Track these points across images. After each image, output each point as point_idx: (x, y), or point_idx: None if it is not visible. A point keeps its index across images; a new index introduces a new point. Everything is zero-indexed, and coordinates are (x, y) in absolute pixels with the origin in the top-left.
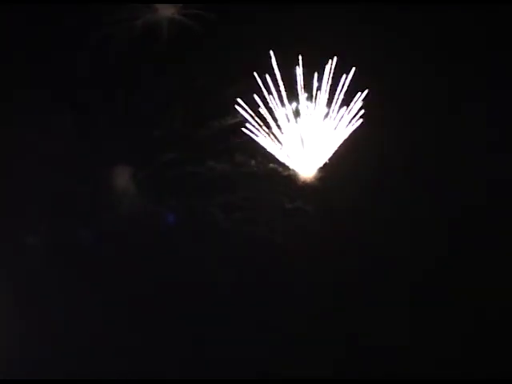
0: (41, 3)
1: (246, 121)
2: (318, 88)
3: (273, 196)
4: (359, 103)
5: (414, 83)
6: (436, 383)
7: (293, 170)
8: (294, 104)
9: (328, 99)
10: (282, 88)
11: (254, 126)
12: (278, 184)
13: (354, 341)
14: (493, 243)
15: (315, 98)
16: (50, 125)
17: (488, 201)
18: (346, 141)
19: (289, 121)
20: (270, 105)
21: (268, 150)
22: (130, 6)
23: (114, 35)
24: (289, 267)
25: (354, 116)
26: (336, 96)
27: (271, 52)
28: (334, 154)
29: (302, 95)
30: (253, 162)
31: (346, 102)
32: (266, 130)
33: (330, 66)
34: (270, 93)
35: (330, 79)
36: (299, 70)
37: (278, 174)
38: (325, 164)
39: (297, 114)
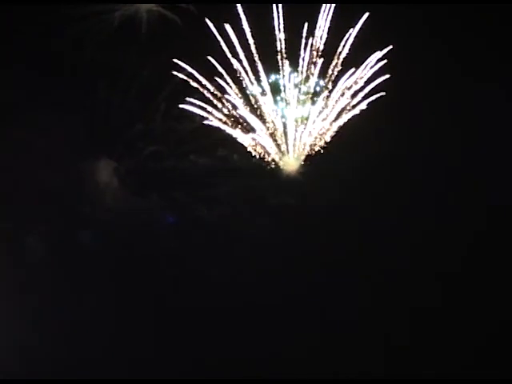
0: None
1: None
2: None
3: (256, 191)
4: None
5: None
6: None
7: (276, 165)
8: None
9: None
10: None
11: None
12: (261, 178)
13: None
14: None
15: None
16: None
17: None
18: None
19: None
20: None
21: (250, 143)
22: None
23: (92, 28)
24: (274, 261)
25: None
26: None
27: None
28: (321, 145)
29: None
30: (235, 157)
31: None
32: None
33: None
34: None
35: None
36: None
37: (261, 169)
38: (310, 157)
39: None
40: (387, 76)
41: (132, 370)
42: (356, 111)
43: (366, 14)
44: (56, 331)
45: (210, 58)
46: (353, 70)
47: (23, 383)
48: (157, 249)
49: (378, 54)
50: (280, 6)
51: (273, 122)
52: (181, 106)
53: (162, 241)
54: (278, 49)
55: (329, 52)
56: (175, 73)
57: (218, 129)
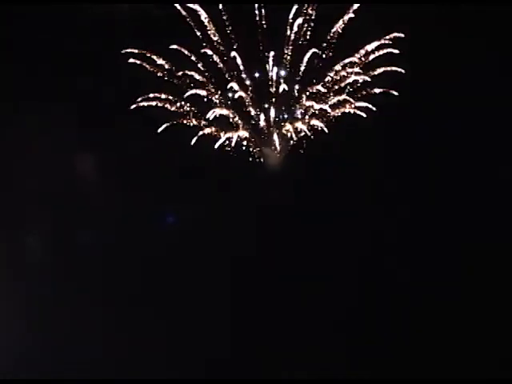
0: None
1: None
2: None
3: (239, 186)
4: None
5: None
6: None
7: (259, 158)
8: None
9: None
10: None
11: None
12: (244, 173)
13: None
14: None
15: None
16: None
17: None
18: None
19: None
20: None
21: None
22: None
23: (74, 22)
24: (258, 257)
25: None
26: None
27: None
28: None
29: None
30: (217, 152)
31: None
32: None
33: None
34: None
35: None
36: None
37: (244, 163)
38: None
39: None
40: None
41: (132, 370)
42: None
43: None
44: (56, 331)
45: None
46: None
47: (23, 383)
48: (157, 249)
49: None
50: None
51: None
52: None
53: (161, 241)
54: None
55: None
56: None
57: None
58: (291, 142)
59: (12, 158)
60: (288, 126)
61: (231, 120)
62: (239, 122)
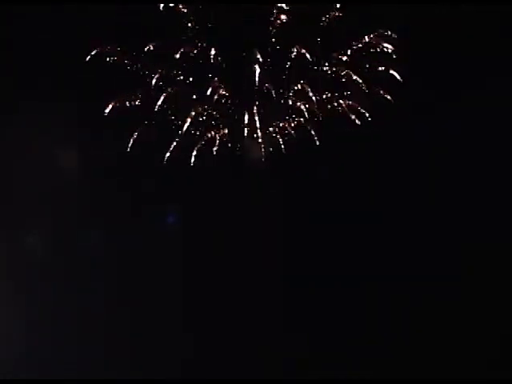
0: None
1: None
2: None
3: (217, 189)
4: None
5: None
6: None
7: (238, 158)
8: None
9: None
10: None
11: None
12: (221, 175)
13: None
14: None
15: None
16: None
17: None
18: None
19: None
20: None
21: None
22: None
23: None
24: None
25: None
26: None
27: None
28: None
29: None
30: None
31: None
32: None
33: None
34: None
35: None
36: None
37: (220, 167)
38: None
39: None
40: None
41: (132, 370)
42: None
43: None
44: (56, 331)
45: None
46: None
47: (23, 383)
48: (157, 248)
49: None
50: None
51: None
52: None
53: (161, 240)
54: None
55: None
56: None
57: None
58: (278, 140)
59: (12, 157)
60: (273, 125)
61: (214, 117)
62: (221, 120)
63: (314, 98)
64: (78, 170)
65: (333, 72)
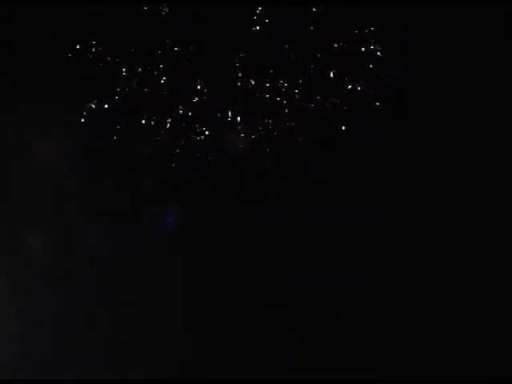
0: None
1: None
2: None
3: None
4: None
5: None
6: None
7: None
8: None
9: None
10: None
11: None
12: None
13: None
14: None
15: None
16: None
17: None
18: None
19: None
20: None
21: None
22: None
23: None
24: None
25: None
26: None
27: None
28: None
29: None
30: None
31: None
32: None
33: None
34: None
35: None
36: None
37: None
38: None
39: None
40: None
41: (132, 371)
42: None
43: None
44: (56, 331)
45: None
46: None
47: (23, 383)
48: (158, 248)
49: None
50: None
51: None
52: None
53: (161, 241)
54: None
55: None
56: None
57: None
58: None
59: (12, 157)
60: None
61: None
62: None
63: (301, 96)
64: (78, 170)
65: (322, 71)
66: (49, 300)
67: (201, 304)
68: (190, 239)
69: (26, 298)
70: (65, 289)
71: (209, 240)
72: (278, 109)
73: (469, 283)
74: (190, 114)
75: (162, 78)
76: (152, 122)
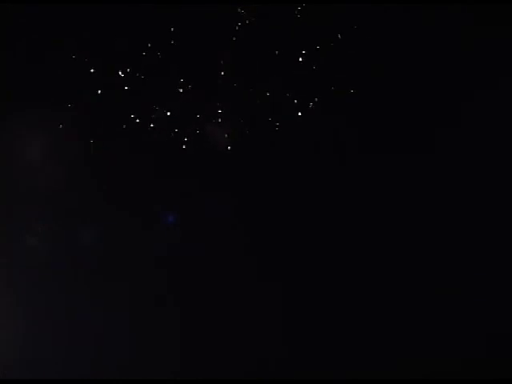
0: None
1: None
2: None
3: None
4: None
5: None
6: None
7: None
8: None
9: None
10: None
11: None
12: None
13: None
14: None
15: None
16: None
17: None
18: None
19: None
20: None
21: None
22: None
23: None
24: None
25: None
26: None
27: None
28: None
29: None
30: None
31: None
32: None
33: None
34: None
35: None
36: None
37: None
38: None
39: None
40: None
41: (131, 370)
42: None
43: None
44: (57, 332)
45: None
46: None
47: (23, 383)
48: (158, 248)
49: None
50: None
51: None
52: None
53: (161, 241)
54: None
55: None
56: None
57: None
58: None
59: (12, 157)
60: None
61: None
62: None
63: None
64: (78, 169)
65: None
66: (49, 300)
67: (201, 304)
68: (189, 239)
69: (26, 298)
70: (65, 289)
71: (205, 239)
72: (263, 105)
73: (469, 283)
74: (168, 114)
75: (145, 79)
76: (137, 120)
